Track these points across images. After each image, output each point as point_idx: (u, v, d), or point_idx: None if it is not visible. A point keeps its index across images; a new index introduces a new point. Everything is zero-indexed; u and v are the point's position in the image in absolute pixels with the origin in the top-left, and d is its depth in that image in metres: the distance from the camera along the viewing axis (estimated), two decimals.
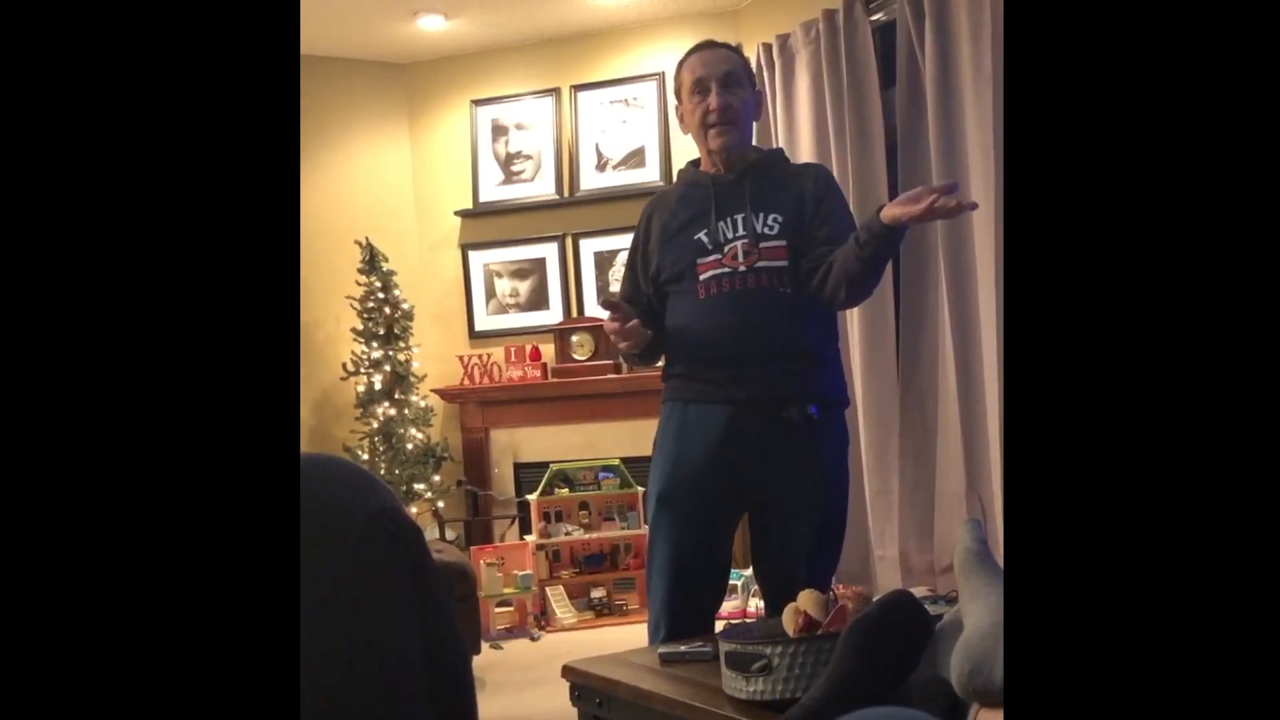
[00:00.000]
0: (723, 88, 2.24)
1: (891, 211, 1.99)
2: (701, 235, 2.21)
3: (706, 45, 2.33)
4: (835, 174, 4.03)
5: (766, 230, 2.19)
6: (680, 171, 2.41)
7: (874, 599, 1.55)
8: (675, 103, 2.37)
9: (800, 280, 2.18)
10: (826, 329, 2.27)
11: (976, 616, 1.34)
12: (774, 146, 3.99)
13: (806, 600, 1.61)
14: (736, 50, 2.37)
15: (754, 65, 4.54)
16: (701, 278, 2.19)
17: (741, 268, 2.17)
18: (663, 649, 1.86)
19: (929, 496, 3.85)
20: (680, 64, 2.33)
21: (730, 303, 2.17)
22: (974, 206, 2.02)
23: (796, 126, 4.34)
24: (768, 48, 4.45)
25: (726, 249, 2.19)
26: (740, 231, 2.20)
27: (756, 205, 2.22)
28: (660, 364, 2.33)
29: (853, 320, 4.02)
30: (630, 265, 2.38)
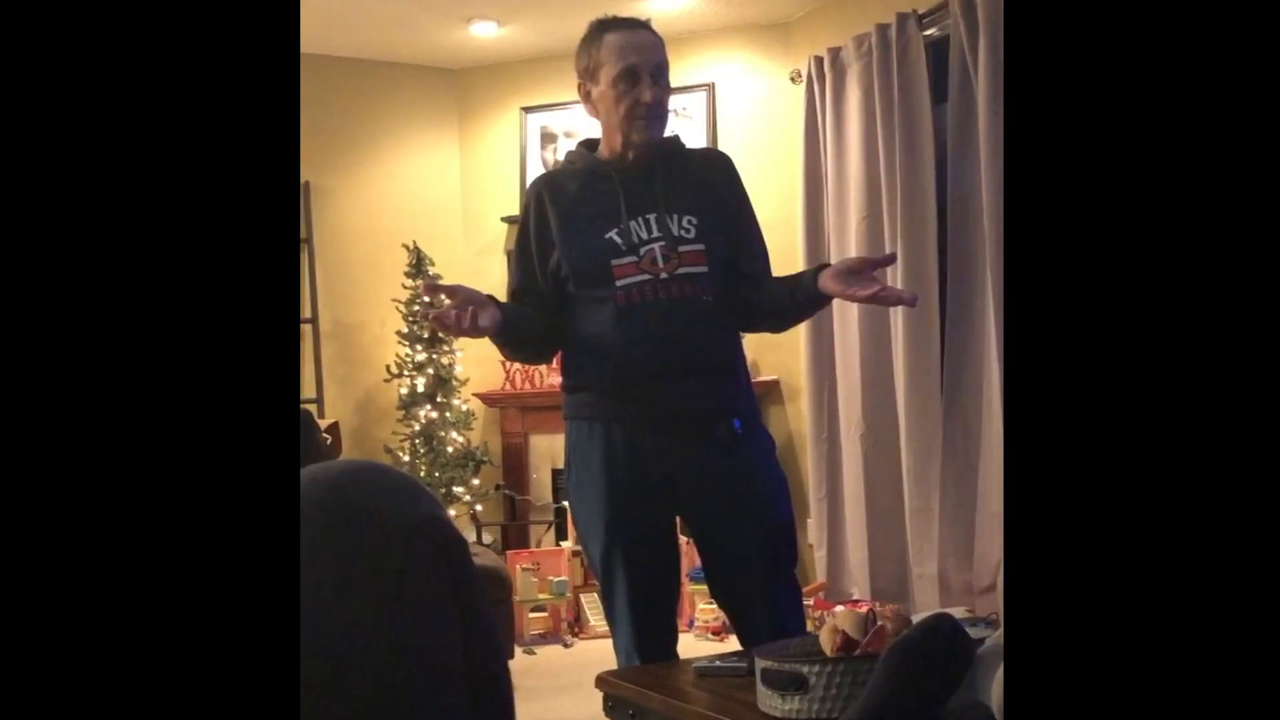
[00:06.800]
0: (655, 80, 2.08)
1: (829, 286, 2.00)
2: (613, 235, 2.06)
3: (630, 25, 2.12)
4: (884, 188, 4.06)
5: (683, 233, 2.07)
6: (572, 154, 2.22)
7: (912, 619, 1.54)
8: (582, 81, 2.15)
9: (719, 289, 2.10)
10: (738, 341, 2.20)
11: None
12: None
13: (845, 619, 1.60)
14: (656, 33, 2.16)
15: (805, 78, 4.54)
16: (620, 284, 2.04)
17: (663, 275, 2.04)
18: (698, 663, 1.85)
19: (970, 516, 3.81)
20: (598, 40, 2.11)
21: (653, 312, 2.04)
22: (913, 301, 2.03)
23: (846, 140, 4.32)
24: (819, 61, 4.44)
25: (643, 251, 2.05)
26: (655, 233, 2.06)
27: (669, 204, 2.09)
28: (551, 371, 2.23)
29: (897, 336, 3.99)
30: (522, 253, 2.17)
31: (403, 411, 4.87)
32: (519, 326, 2.12)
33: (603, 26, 2.13)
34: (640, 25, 2.14)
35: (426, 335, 4.87)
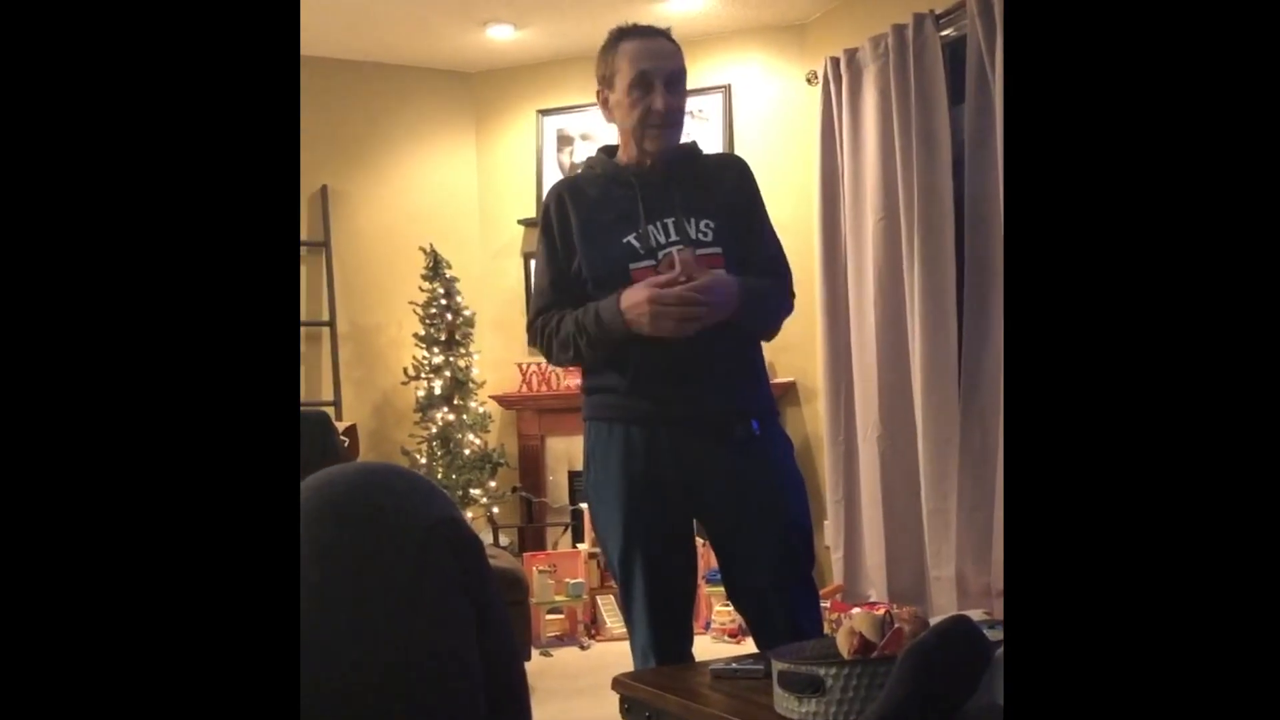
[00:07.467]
0: (668, 88, 2.10)
1: None
2: (631, 239, 2.10)
3: (648, 33, 2.15)
4: (900, 189, 4.05)
5: (701, 237, 2.10)
6: (591, 160, 2.26)
7: (930, 621, 1.53)
8: (600, 88, 2.18)
9: None
10: (756, 342, 2.22)
11: None
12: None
13: (862, 621, 1.59)
14: (675, 41, 2.18)
15: (821, 80, 4.53)
16: None
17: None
18: (714, 666, 1.85)
19: (988, 517, 3.79)
20: (615, 48, 2.14)
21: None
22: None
23: (862, 141, 4.31)
24: (835, 62, 4.43)
25: (661, 255, 2.08)
26: (673, 236, 2.10)
27: (687, 208, 2.12)
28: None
29: (914, 338, 3.98)
30: (549, 255, 2.19)
31: (420, 414, 4.89)
32: None
33: (620, 34, 2.16)
34: (658, 33, 2.16)
35: (443, 338, 4.88)
